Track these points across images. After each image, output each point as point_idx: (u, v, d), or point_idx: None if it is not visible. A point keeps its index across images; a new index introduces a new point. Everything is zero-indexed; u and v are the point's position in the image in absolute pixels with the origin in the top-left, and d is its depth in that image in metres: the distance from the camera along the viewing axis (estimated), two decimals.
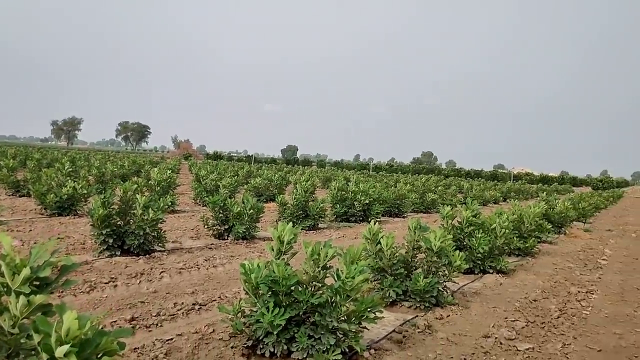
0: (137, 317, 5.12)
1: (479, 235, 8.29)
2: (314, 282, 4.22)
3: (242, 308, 4.23)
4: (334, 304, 4.13)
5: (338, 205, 14.00)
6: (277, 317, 3.87)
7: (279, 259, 4.33)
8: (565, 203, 15.68)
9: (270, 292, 4.03)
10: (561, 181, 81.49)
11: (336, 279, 4.22)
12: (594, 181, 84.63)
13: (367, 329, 4.56)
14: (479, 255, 8.15)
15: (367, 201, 14.28)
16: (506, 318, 5.99)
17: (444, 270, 6.36)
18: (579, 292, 7.61)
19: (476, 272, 8.26)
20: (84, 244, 8.57)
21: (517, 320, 5.92)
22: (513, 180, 74.82)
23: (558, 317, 6.18)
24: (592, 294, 7.60)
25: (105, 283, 6.31)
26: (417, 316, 5.68)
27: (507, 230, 8.95)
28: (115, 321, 4.97)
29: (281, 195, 12.74)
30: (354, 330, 4.11)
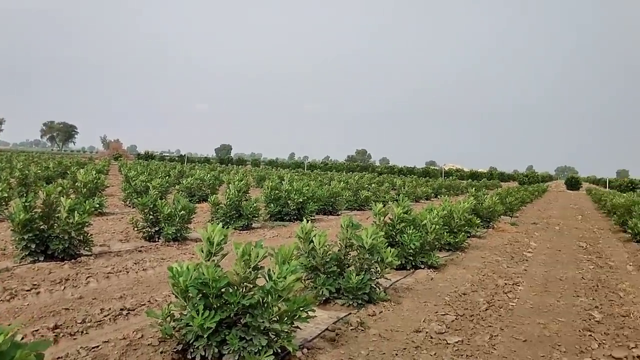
0: (61, 325, 4.91)
1: (411, 232, 8.43)
2: (245, 283, 4.16)
3: (171, 312, 4.12)
4: (265, 305, 4.09)
5: (272, 205, 13.94)
6: (208, 320, 3.80)
7: (208, 260, 4.25)
8: (493, 198, 16.19)
9: (200, 295, 3.95)
10: (490, 177, 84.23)
11: (268, 279, 4.19)
12: (521, 176, 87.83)
13: (299, 328, 4.55)
14: (411, 251, 8.29)
15: (301, 200, 14.29)
16: (437, 312, 6.11)
17: (376, 267, 6.42)
18: (505, 284, 7.86)
19: (408, 268, 8.39)
20: (4, 250, 8.15)
21: (447, 314, 6.06)
22: (444, 176, 76.80)
23: (486, 310, 6.37)
24: (518, 285, 7.87)
25: (27, 290, 6.01)
26: (350, 314, 5.72)
27: (437, 226, 9.14)
28: (37, 330, 4.74)
29: (214, 195, 12.55)
30: (286, 330, 4.08)
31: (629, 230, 14.58)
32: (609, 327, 5.87)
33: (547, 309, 6.60)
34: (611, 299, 7.24)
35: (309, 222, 6.29)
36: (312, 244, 6.11)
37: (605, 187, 67.09)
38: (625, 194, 28.31)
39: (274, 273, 4.15)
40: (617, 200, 20.61)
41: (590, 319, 6.17)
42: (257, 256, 4.16)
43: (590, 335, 5.56)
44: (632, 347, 5.17)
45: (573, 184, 68.29)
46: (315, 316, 4.72)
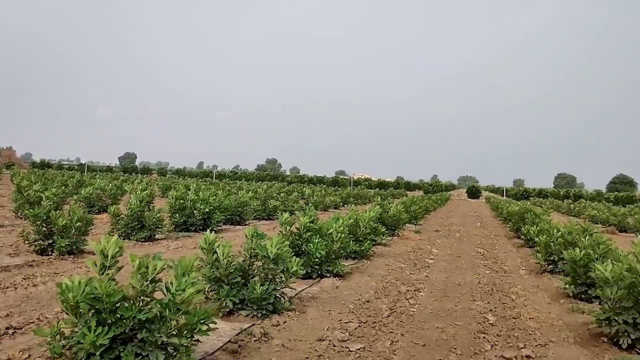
0: None
1: (316, 241, 8.50)
2: (142, 297, 4.01)
3: (61, 329, 3.91)
4: (163, 319, 3.97)
5: (177, 215, 13.61)
6: (100, 336, 3.63)
7: (102, 274, 4.08)
8: (399, 207, 16.62)
9: (92, 311, 3.77)
10: (397, 186, 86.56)
11: (166, 292, 4.07)
12: (426, 185, 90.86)
13: (200, 341, 4.45)
14: (317, 260, 8.35)
15: (208, 210, 14.04)
16: (340, 320, 6.18)
17: (281, 277, 6.41)
18: (408, 290, 8.08)
19: (314, 277, 8.44)
20: None
21: (350, 321, 6.14)
22: (353, 185, 78.15)
23: (388, 316, 6.51)
24: (420, 292, 8.11)
25: None
26: (254, 324, 5.67)
27: (343, 235, 9.27)
28: None
29: (115, 206, 12.10)
30: (185, 344, 3.97)
31: (522, 237, 15.43)
32: (501, 329, 6.16)
33: (446, 314, 6.84)
34: (504, 302, 7.61)
35: (215, 232, 6.21)
36: (215, 254, 6.02)
37: (503, 196, 70.72)
38: (519, 202, 29.96)
39: (173, 285, 4.04)
40: (512, 208, 21.74)
41: (484, 322, 6.45)
42: (155, 268, 4.03)
43: (484, 337, 5.81)
44: (522, 347, 5.45)
45: (474, 192, 71.50)
46: (217, 328, 4.65)
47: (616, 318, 5.54)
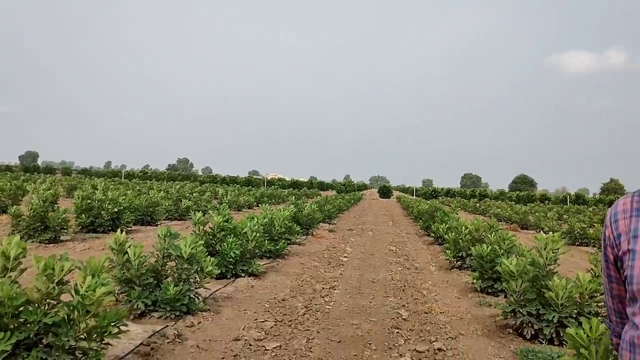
0: None
1: (231, 240, 8.40)
2: (48, 300, 3.80)
3: None
4: (71, 322, 3.78)
5: (83, 215, 13.02)
6: (2, 342, 3.41)
7: (4, 277, 3.83)
8: (313, 206, 16.75)
9: None
10: (310, 186, 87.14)
11: (75, 294, 3.88)
12: (339, 185, 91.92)
13: (111, 344, 4.27)
14: (231, 259, 8.25)
15: (117, 210, 13.55)
16: (256, 319, 6.13)
17: (196, 277, 6.29)
18: (323, 288, 8.14)
19: (229, 277, 8.34)
20: None
21: (266, 320, 6.11)
22: (267, 185, 77.96)
23: (304, 314, 6.53)
24: (335, 289, 8.19)
25: None
26: (167, 326, 5.51)
27: (258, 234, 9.22)
28: None
29: (15, 207, 11.44)
30: (94, 348, 3.81)
31: (432, 234, 15.95)
32: (414, 324, 6.33)
33: (361, 310, 6.94)
34: (416, 298, 7.83)
35: (126, 233, 5.99)
36: (126, 255, 5.82)
37: (413, 195, 72.87)
38: (429, 202, 31.00)
39: (82, 287, 3.86)
40: (422, 207, 22.45)
41: (398, 317, 6.61)
42: (62, 270, 3.83)
43: (398, 332, 5.95)
44: (433, 341, 5.62)
45: (385, 192, 73.22)
46: (129, 331, 4.48)
47: (521, 310, 5.82)
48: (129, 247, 5.82)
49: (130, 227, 14.43)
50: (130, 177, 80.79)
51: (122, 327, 4.05)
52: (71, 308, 3.77)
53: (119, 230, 6.10)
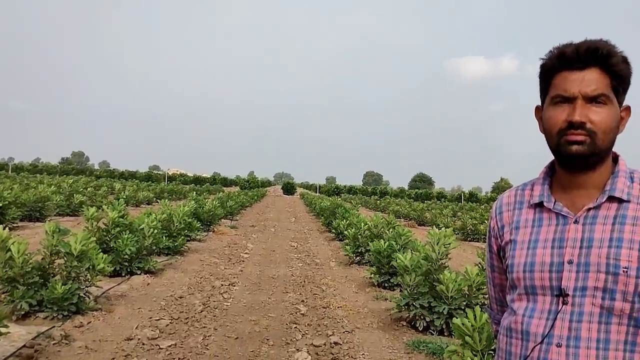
0: None
1: (126, 237, 8.10)
2: None
3: None
4: None
5: None
6: None
7: None
8: (214, 202, 16.52)
9: None
10: (213, 182, 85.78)
11: None
12: (242, 181, 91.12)
13: None
14: (126, 256, 7.96)
15: (0, 204, 12.71)
16: (151, 318, 5.95)
17: (87, 275, 6.01)
18: (222, 285, 8.04)
19: (123, 274, 8.03)
20: None
21: (161, 318, 5.94)
22: (168, 181, 75.99)
23: (201, 311, 6.41)
24: (234, 286, 8.12)
25: None
26: (53, 327, 5.22)
27: (156, 230, 8.97)
28: None
29: None
30: None
31: (333, 230, 16.19)
32: (312, 319, 6.38)
33: (260, 306, 6.92)
34: (315, 293, 7.91)
35: (10, 229, 5.62)
36: (9, 252, 5.46)
37: (316, 192, 73.67)
38: (331, 198, 31.46)
39: None
40: (324, 204, 22.75)
41: (296, 313, 6.64)
42: None
43: (296, 327, 5.98)
44: (330, 335, 5.70)
45: (289, 189, 73.40)
46: (10, 332, 4.21)
47: (414, 303, 6.02)
48: (13, 244, 5.47)
49: (17, 224, 13.58)
50: (18, 170, 75.92)
51: (2, 329, 3.80)
52: None
53: (1, 226, 5.71)
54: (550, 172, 1.45)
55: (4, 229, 5.59)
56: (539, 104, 1.43)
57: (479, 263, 6.36)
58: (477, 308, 3.13)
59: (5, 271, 5.44)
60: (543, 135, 1.39)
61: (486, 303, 5.79)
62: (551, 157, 1.41)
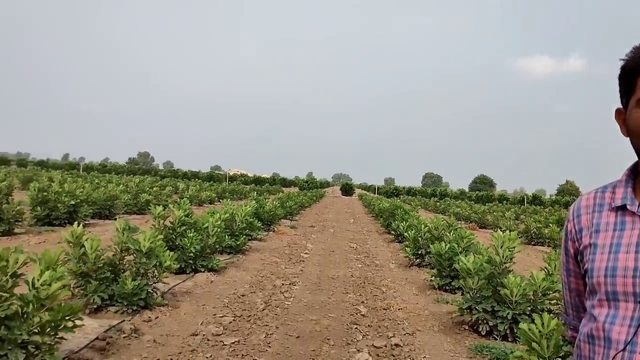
0: None
1: (191, 235, 8.33)
2: (0, 293, 3.72)
3: None
4: (25, 316, 3.70)
5: (39, 208, 12.72)
6: None
7: None
8: (275, 202, 16.74)
9: None
10: (272, 182, 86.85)
11: (31, 287, 3.80)
12: (301, 182, 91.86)
13: (65, 339, 4.20)
14: (191, 254, 8.19)
15: (73, 203, 13.28)
16: (215, 315, 6.11)
17: (154, 272, 6.22)
18: (283, 284, 8.15)
19: (188, 272, 8.27)
20: None
21: (225, 315, 6.08)
22: (229, 181, 77.40)
23: (263, 310, 6.53)
24: (295, 285, 8.21)
25: None
26: (123, 321, 5.44)
27: (219, 229, 9.17)
28: None
29: None
30: (48, 342, 3.74)
31: (392, 232, 16.11)
32: (372, 320, 6.39)
33: (320, 306, 6.98)
34: (375, 294, 7.91)
35: (83, 226, 5.88)
36: (83, 248, 5.72)
37: (375, 193, 73.36)
38: (390, 200, 31.29)
39: (37, 280, 3.78)
40: (383, 205, 22.64)
41: (357, 313, 6.67)
42: (17, 262, 3.75)
43: (356, 328, 6.01)
44: (391, 337, 5.69)
45: (347, 190, 73.49)
46: (84, 325, 4.42)
47: (476, 307, 5.94)
48: (86, 240, 5.72)
49: (88, 221, 14.18)
50: (88, 170, 79.06)
51: (77, 322, 3.99)
52: (26, 301, 3.69)
53: (75, 223, 6.00)
54: (633, 174, 1.41)
55: (78, 226, 5.87)
56: (619, 106, 1.39)
57: (545, 267, 6.20)
58: (545, 314, 3.08)
59: (79, 266, 5.70)
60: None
61: (552, 309, 5.66)
62: (627, 160, 1.38)
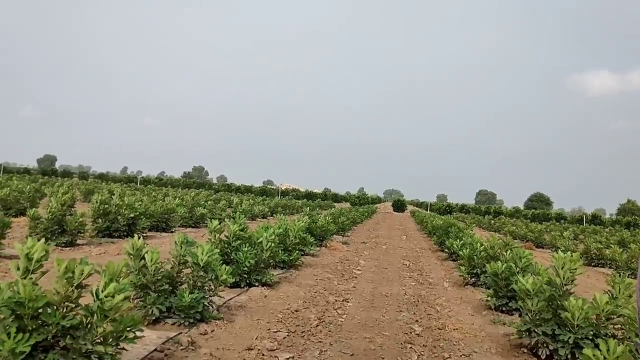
0: None
1: (246, 249, 8.43)
2: (66, 303, 3.85)
3: None
4: (89, 325, 3.82)
5: (100, 220, 13.15)
6: (20, 343, 3.45)
7: (25, 278, 3.88)
8: (327, 218, 16.77)
9: (13, 316, 3.58)
10: (324, 197, 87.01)
11: (95, 298, 3.92)
12: (352, 197, 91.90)
13: (126, 349, 4.31)
14: (245, 268, 8.28)
15: (133, 215, 13.67)
16: (269, 329, 6.14)
17: (210, 285, 6.32)
18: (336, 300, 8.13)
19: (242, 286, 8.36)
20: None
21: (279, 331, 6.12)
22: (281, 195, 78.05)
23: (317, 326, 6.53)
24: (348, 302, 8.18)
25: None
26: (180, 333, 5.54)
27: (273, 244, 9.25)
28: None
29: (34, 209, 11.56)
30: (110, 352, 3.84)
31: (446, 250, 15.87)
32: (427, 340, 6.30)
33: (373, 324, 6.93)
34: (429, 313, 7.80)
35: (141, 238, 6.03)
36: (143, 260, 5.86)
37: (427, 210, 72.50)
38: (443, 217, 30.88)
39: (101, 292, 3.90)
40: (436, 222, 22.36)
41: (411, 332, 6.59)
42: (82, 273, 3.88)
43: (411, 347, 5.93)
44: (447, 357, 5.59)
45: (399, 206, 72.93)
46: (144, 336, 4.52)
47: (536, 329, 5.78)
48: (146, 252, 5.87)
49: (146, 233, 14.53)
50: (146, 183, 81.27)
51: (137, 333, 4.08)
52: (90, 312, 3.81)
53: (135, 235, 6.16)
54: None
55: (138, 239, 6.03)
56: None
57: (609, 290, 5.98)
58: (611, 340, 2.97)
59: (139, 278, 5.84)
60: None
61: (617, 334, 5.45)
62: None
